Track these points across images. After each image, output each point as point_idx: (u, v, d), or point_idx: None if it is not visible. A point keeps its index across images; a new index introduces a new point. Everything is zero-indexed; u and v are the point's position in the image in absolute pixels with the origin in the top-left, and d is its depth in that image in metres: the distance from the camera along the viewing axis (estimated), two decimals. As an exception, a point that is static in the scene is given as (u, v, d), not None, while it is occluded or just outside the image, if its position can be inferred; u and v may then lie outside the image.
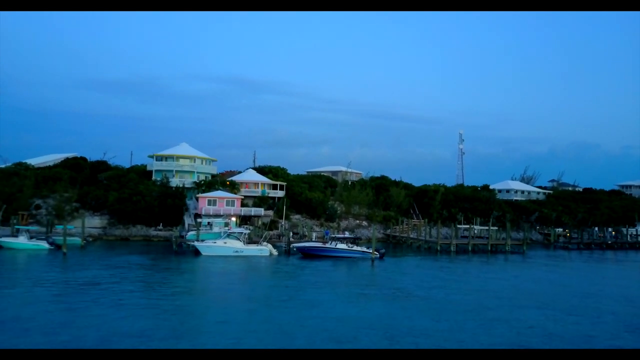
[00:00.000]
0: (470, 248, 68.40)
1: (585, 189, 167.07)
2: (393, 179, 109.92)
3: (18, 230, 53.90)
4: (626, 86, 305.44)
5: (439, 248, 66.80)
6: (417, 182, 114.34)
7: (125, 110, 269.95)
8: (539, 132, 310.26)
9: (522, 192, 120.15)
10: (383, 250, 57.10)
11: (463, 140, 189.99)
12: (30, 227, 55.74)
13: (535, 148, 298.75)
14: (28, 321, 24.17)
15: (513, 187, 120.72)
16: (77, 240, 55.46)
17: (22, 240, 51.62)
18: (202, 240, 53.74)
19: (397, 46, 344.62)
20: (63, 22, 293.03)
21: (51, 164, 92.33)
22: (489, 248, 70.20)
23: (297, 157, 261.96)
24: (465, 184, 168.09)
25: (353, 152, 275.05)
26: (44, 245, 51.91)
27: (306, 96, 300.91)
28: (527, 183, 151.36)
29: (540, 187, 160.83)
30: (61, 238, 53.34)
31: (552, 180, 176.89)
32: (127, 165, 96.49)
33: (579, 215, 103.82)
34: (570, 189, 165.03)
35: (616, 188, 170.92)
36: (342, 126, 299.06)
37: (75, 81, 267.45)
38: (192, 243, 53.48)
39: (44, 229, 62.24)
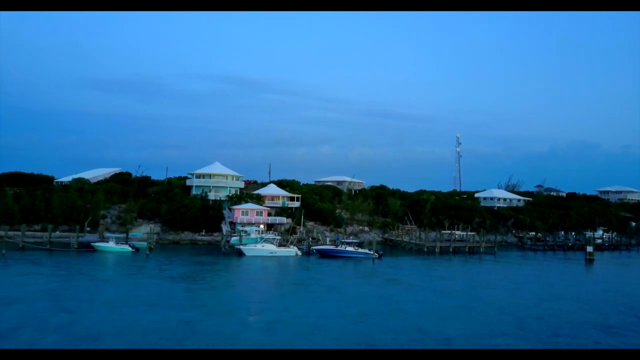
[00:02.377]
0: (451, 250, 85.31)
1: (568, 194, 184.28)
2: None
3: (108, 237, 70.76)
4: (626, 86, 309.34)
5: (426, 250, 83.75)
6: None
7: (125, 110, 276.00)
8: (539, 132, 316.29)
9: (504, 199, 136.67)
10: (381, 252, 74.04)
11: (460, 143, 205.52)
12: (117, 235, 72.54)
13: (536, 147, 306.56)
14: (176, 298, 41.24)
15: (496, 195, 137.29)
16: (145, 244, 72.15)
17: (111, 245, 68.49)
18: (245, 244, 70.78)
19: (397, 45, 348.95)
20: (64, 21, 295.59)
21: (101, 178, 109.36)
22: (466, 250, 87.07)
23: (298, 157, 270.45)
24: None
25: (353, 151, 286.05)
26: (127, 248, 68.78)
27: (306, 95, 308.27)
28: (513, 189, 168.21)
29: (527, 192, 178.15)
30: (138, 243, 70.67)
31: (538, 186, 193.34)
32: (160, 177, 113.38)
33: (550, 220, 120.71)
34: (553, 194, 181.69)
35: (596, 193, 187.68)
36: (343, 125, 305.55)
37: (76, 80, 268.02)
38: (238, 246, 70.41)
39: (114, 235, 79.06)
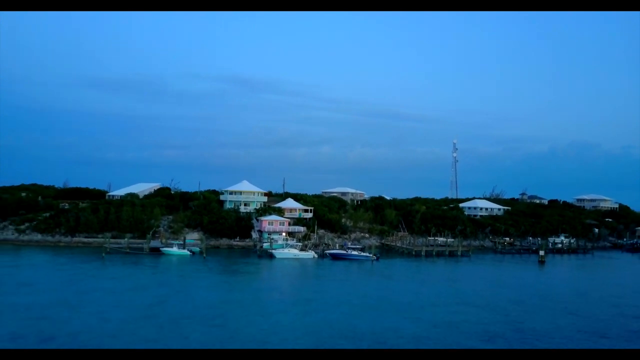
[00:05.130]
0: (434, 253, 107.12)
1: (550, 201, 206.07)
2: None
3: (171, 244, 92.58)
4: (626, 86, 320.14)
5: (414, 253, 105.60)
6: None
7: (126, 109, 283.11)
8: (539, 132, 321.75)
9: (486, 209, 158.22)
10: (378, 255, 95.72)
11: (457, 149, 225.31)
12: (178, 242, 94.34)
13: (536, 147, 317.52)
14: (242, 284, 63.30)
15: (479, 205, 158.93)
16: (197, 249, 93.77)
17: (174, 249, 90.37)
18: (275, 249, 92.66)
19: (398, 46, 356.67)
20: (66, 22, 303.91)
21: (147, 192, 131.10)
22: (447, 253, 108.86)
23: (298, 157, 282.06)
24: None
25: (353, 151, 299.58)
26: (187, 252, 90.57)
27: (307, 95, 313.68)
28: (497, 197, 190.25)
29: (513, 198, 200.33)
30: (193, 247, 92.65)
31: (522, 194, 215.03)
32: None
33: (523, 227, 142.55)
34: (537, 201, 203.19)
35: (573, 201, 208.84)
36: (343, 125, 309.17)
37: (77, 80, 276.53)
38: (270, 250, 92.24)
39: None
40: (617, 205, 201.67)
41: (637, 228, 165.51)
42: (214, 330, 40.63)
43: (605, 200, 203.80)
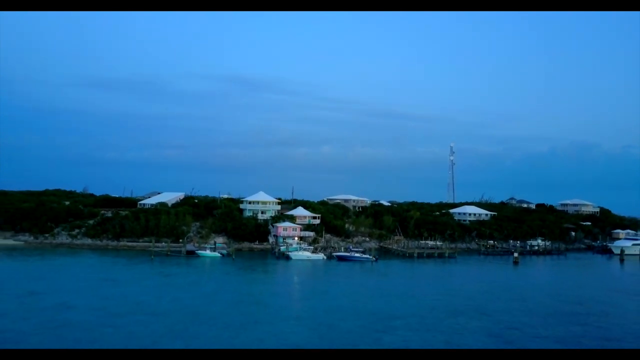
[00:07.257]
0: (425, 255, 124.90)
1: (537, 205, 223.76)
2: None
3: (204, 247, 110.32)
4: (627, 86, 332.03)
5: (407, 255, 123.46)
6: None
7: (126, 109, 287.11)
8: (539, 132, 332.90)
9: (474, 214, 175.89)
10: (377, 257, 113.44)
11: (454, 152, 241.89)
12: (209, 246, 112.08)
13: (536, 147, 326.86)
14: (270, 281, 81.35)
15: (468, 210, 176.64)
16: (225, 251, 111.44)
17: (207, 252, 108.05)
18: (291, 251, 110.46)
19: (398, 45, 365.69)
20: (66, 21, 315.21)
21: (174, 201, 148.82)
22: (436, 255, 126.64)
23: (298, 157, 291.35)
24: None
25: (353, 151, 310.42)
26: (218, 254, 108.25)
27: (306, 95, 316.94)
28: (487, 202, 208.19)
29: (502, 202, 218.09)
30: (222, 250, 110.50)
31: (511, 198, 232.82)
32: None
33: (505, 231, 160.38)
34: (525, 205, 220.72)
35: (557, 205, 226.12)
36: (343, 125, 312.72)
37: (77, 79, 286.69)
38: (287, 252, 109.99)
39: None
40: (597, 210, 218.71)
41: (613, 231, 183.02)
42: (261, 309, 58.46)
43: (586, 204, 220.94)
